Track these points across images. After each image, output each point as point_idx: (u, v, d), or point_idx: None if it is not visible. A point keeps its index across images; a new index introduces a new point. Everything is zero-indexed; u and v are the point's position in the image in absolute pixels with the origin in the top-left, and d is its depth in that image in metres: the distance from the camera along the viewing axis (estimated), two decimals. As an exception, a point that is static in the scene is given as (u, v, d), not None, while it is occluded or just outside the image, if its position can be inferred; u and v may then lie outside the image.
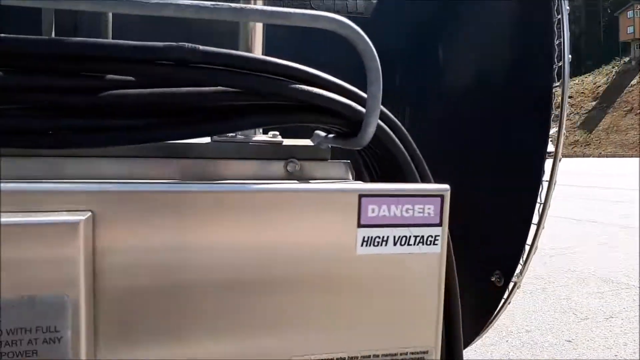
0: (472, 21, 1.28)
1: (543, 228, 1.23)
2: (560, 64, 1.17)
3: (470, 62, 1.26)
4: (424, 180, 0.82)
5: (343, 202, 0.67)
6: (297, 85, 0.75)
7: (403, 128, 0.82)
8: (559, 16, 1.18)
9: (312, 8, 1.29)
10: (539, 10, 1.17)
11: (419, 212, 0.70)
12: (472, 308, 1.38)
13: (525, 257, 1.28)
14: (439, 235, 0.70)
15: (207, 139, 0.96)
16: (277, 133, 1.01)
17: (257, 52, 0.98)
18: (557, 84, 1.19)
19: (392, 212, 0.69)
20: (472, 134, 1.23)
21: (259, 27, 0.95)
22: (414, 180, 0.79)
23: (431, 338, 0.71)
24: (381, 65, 1.35)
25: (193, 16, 0.66)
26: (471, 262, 1.35)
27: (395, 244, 0.69)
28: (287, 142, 0.99)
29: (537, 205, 1.23)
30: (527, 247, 1.27)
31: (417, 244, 0.70)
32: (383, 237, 0.68)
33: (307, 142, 1.00)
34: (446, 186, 0.72)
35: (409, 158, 0.80)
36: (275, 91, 0.74)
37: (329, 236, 0.67)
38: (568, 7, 1.20)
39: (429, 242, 0.70)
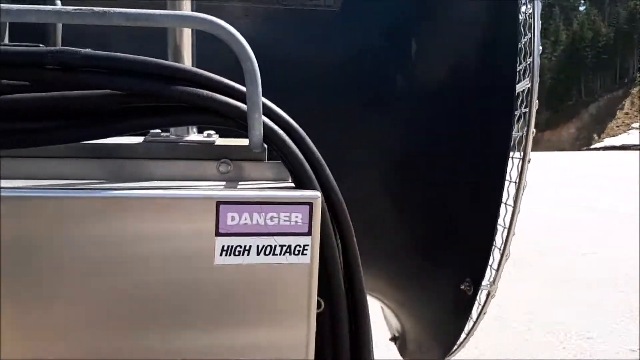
0: (441, 16, 1.20)
1: (514, 234, 1.14)
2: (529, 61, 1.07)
3: (437, 59, 1.18)
4: (325, 187, 0.78)
5: (199, 210, 0.65)
6: (180, 87, 0.74)
7: (301, 131, 0.79)
8: (529, 6, 1.08)
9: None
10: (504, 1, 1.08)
11: (285, 221, 0.66)
12: (445, 318, 1.31)
13: (497, 265, 1.19)
14: (308, 245, 0.66)
15: (139, 139, 0.96)
16: (213, 132, 0.99)
17: (186, 59, 0.96)
18: (526, 80, 1.09)
19: (255, 220, 0.66)
20: (437, 134, 1.16)
21: (186, 33, 0.94)
22: (311, 186, 0.75)
23: (301, 351, 0.67)
24: (348, 60, 1.30)
25: (55, 21, 0.66)
26: (442, 270, 1.28)
27: (258, 253, 0.66)
28: (220, 142, 0.97)
29: (509, 208, 1.14)
30: (497, 254, 1.18)
31: (284, 254, 0.66)
32: (245, 246, 0.66)
33: (242, 142, 0.98)
34: (316, 193, 0.68)
35: (303, 162, 0.76)
36: (156, 92, 0.73)
37: (185, 245, 0.65)
38: (541, -3, 1.10)
39: (297, 252, 0.66)
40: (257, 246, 0.66)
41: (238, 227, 0.65)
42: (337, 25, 1.25)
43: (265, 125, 0.75)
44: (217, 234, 0.65)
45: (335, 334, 0.80)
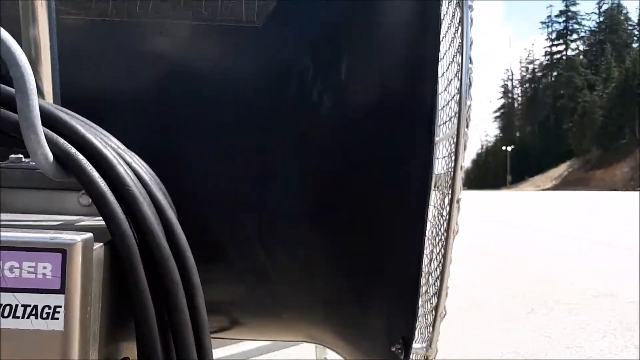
0: (366, 34, 1.04)
1: (447, 287, 0.94)
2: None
3: (359, 80, 1.02)
4: (141, 227, 0.62)
5: None
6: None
7: (107, 154, 0.63)
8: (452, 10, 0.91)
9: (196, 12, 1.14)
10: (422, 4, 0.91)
11: (30, 273, 0.50)
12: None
13: (432, 324, 0.98)
14: (60, 306, 0.50)
15: None
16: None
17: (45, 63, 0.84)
18: (453, 98, 0.91)
19: (-10, 271, 0.50)
20: (360, 162, 0.99)
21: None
22: (112, 225, 0.59)
23: None
24: (268, 79, 1.15)
25: None
26: (377, 324, 1.08)
27: (-6, 315, 0.50)
28: None
29: (437, 255, 0.94)
30: (426, 311, 0.98)
31: (28, 317, 0.50)
32: (-25, 304, 0.50)
33: None
34: (74, 238, 0.52)
35: (105, 194, 0.60)
36: None
37: None
38: (471, 3, 0.92)
39: (45, 315, 0.50)
40: (-8, 305, 0.50)
41: (-33, 279, 0.50)
42: (259, 42, 1.12)
43: (56, 145, 0.60)
44: (-61, 287, 0.50)
45: None
